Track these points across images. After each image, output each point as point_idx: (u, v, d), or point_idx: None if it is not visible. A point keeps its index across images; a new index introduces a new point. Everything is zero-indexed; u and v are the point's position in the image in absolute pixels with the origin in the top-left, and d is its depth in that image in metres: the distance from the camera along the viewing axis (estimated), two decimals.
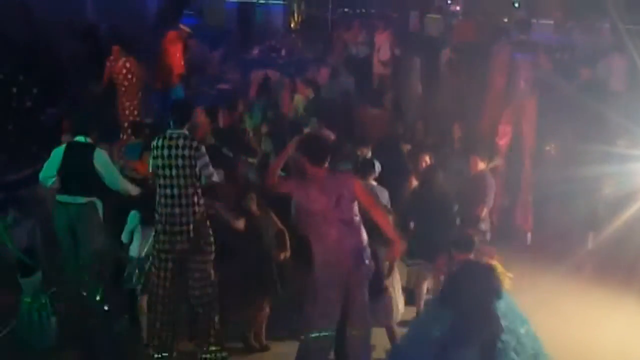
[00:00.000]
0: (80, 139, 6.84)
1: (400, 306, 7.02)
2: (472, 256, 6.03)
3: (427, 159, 8.30)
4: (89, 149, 6.76)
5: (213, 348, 6.49)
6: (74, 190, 6.73)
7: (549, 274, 8.36)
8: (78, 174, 6.70)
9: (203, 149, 6.37)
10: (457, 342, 5.55)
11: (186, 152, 6.21)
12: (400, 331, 6.75)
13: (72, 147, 6.85)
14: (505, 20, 15.61)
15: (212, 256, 6.46)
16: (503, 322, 5.72)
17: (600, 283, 8.21)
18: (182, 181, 6.20)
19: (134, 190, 6.94)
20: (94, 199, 6.85)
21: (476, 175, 7.82)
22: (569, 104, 10.29)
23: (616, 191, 8.88)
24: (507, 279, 6.34)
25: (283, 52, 15.91)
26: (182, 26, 12.84)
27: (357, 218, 5.88)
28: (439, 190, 7.47)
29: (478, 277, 5.60)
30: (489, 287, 5.58)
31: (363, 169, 7.61)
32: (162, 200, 6.24)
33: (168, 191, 6.21)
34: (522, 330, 5.87)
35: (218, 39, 16.15)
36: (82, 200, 6.73)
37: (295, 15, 16.82)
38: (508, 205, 9.70)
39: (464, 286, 5.58)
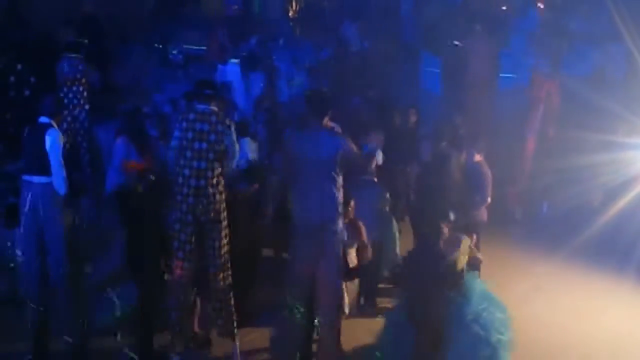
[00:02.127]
0: (43, 119, 6.74)
1: None
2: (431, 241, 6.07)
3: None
4: (44, 129, 6.64)
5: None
6: (34, 169, 6.66)
7: (543, 262, 8.40)
8: (35, 154, 6.62)
9: (233, 127, 6.61)
10: (405, 321, 5.84)
11: (219, 128, 6.44)
12: None
13: (33, 127, 6.77)
14: (504, 8, 15.54)
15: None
16: (480, 306, 5.90)
17: (595, 272, 8.26)
18: (211, 155, 6.40)
19: (62, 187, 6.68)
20: None
21: (473, 166, 7.85)
22: (567, 91, 10.31)
23: (613, 179, 8.92)
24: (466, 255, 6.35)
25: (281, 41, 15.86)
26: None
27: (338, 180, 6.03)
28: (439, 182, 7.56)
29: (426, 262, 5.81)
30: (437, 273, 5.76)
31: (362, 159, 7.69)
32: (188, 171, 6.40)
33: (195, 163, 6.39)
34: (501, 314, 5.98)
35: (215, 27, 16.08)
36: (43, 179, 6.61)
37: (293, 3, 16.74)
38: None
39: (411, 270, 5.89)
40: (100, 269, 7.44)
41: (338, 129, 8.03)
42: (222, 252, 6.60)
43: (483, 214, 7.82)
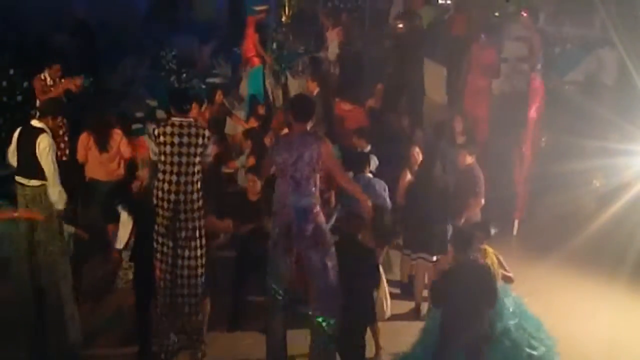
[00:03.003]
0: (34, 122, 6.67)
1: (387, 308, 7.20)
2: (469, 255, 5.98)
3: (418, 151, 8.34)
4: (35, 133, 6.55)
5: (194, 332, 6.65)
6: (25, 172, 6.60)
7: (537, 267, 8.41)
8: (26, 157, 6.56)
9: (211, 137, 6.55)
10: (445, 339, 5.67)
11: (200, 141, 6.31)
12: (393, 325, 6.83)
13: (24, 130, 6.69)
14: (497, 14, 15.59)
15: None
16: (511, 321, 5.88)
17: (588, 275, 8.27)
18: (190, 169, 6.29)
19: (57, 196, 6.58)
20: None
21: (465, 169, 7.88)
22: (560, 97, 10.35)
23: (605, 185, 8.96)
24: (501, 267, 6.37)
25: (274, 46, 15.86)
26: (256, 8, 13.05)
27: (311, 182, 6.04)
28: (435, 184, 7.55)
29: (471, 277, 5.68)
30: (482, 287, 5.66)
31: (357, 161, 7.70)
32: (166, 186, 6.30)
33: (174, 178, 6.27)
34: (533, 329, 5.96)
35: (208, 32, 16.09)
36: (34, 183, 6.55)
37: (286, 8, 16.74)
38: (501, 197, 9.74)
39: (456, 285, 5.67)
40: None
41: (321, 132, 8.15)
42: (195, 266, 6.47)
43: (477, 215, 7.83)
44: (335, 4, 17.65)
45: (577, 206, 9.32)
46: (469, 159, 7.91)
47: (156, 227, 6.42)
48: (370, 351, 6.70)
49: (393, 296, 7.50)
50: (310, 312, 6.24)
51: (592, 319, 7.49)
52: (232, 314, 7.30)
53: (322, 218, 6.18)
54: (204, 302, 6.84)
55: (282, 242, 6.21)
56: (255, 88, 12.09)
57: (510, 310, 6.02)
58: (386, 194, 7.75)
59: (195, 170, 6.33)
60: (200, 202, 6.42)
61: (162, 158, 6.31)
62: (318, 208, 6.15)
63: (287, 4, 15.69)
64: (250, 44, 12.69)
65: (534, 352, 5.91)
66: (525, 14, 10.26)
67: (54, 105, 7.22)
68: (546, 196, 9.60)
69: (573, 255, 8.41)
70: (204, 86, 12.99)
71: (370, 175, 7.73)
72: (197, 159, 6.31)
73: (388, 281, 7.63)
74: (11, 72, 10.39)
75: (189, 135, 6.28)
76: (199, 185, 6.39)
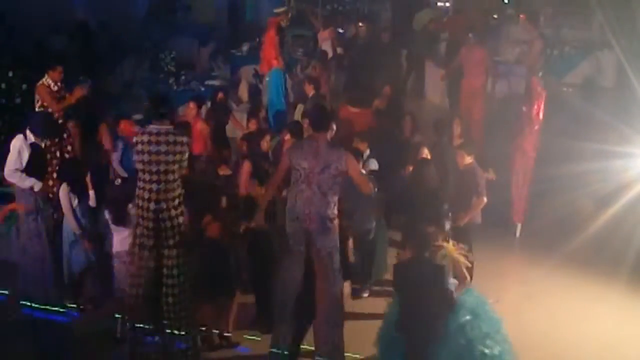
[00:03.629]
0: None
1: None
2: (425, 254, 6.03)
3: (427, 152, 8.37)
4: None
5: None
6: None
7: (535, 269, 8.42)
8: None
9: (190, 143, 6.47)
10: (401, 328, 5.88)
11: (177, 148, 6.18)
12: None
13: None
14: (495, 16, 15.64)
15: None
16: (467, 317, 5.94)
17: (586, 277, 8.27)
18: (170, 176, 6.18)
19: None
20: None
21: (465, 169, 7.88)
22: (558, 99, 10.36)
23: (603, 187, 8.96)
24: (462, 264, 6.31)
25: None
26: (276, 10, 13.08)
27: (334, 194, 6.11)
28: (429, 185, 7.58)
29: (424, 276, 5.81)
30: (434, 287, 5.79)
31: None
32: (147, 194, 6.18)
33: (154, 186, 6.16)
34: (491, 330, 5.99)
35: (207, 34, 16.11)
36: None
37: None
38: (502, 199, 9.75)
39: (408, 282, 5.84)
40: None
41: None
42: (177, 274, 6.35)
43: (478, 216, 7.85)
44: (335, 6, 17.70)
45: (576, 208, 9.31)
46: (468, 159, 7.90)
47: (138, 233, 6.30)
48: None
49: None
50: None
51: (590, 322, 7.48)
52: (259, 315, 7.23)
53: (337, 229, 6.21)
54: (230, 304, 6.85)
55: (297, 252, 6.20)
56: (276, 90, 12.05)
57: (467, 307, 6.04)
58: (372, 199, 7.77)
59: (175, 177, 6.23)
60: (182, 209, 6.35)
61: (141, 167, 6.18)
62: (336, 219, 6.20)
63: (286, 6, 15.71)
64: (270, 46, 12.67)
65: (487, 351, 5.88)
66: (523, 17, 10.30)
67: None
68: (545, 199, 9.59)
69: (572, 258, 8.39)
70: (203, 88, 13.02)
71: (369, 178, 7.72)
72: (176, 167, 6.19)
73: (385, 281, 7.71)
74: (10, 74, 10.39)
75: (167, 143, 6.14)
76: (179, 192, 6.30)
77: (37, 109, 8.65)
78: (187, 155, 6.30)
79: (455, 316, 5.96)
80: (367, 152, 8.61)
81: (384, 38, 13.72)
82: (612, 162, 9.07)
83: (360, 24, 13.55)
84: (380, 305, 6.99)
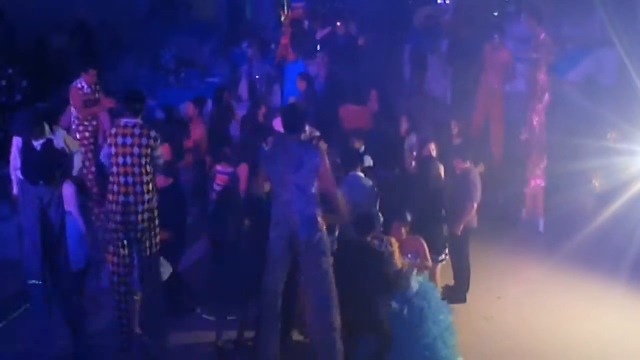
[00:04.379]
0: None
1: None
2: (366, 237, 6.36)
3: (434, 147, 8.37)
4: None
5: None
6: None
7: (535, 268, 8.41)
8: None
9: (158, 138, 6.52)
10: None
11: (144, 141, 6.34)
12: None
13: None
14: (495, 14, 15.58)
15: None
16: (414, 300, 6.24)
17: (586, 277, 8.26)
18: (137, 169, 6.33)
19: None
20: None
21: (462, 174, 7.85)
22: (559, 97, 10.35)
23: (605, 185, 8.95)
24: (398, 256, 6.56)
25: (273, 46, 15.87)
26: (294, 4, 13.40)
27: (313, 190, 6.00)
28: (433, 184, 7.59)
29: (361, 259, 6.09)
30: (371, 272, 6.01)
31: (350, 160, 7.78)
32: (115, 187, 6.34)
33: (122, 179, 6.31)
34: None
35: (207, 32, 16.09)
36: None
37: (285, 8, 16.73)
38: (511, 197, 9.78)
39: (343, 263, 6.06)
40: None
41: (316, 134, 8.18)
42: (151, 265, 6.60)
43: (474, 220, 7.84)
44: (335, 5, 17.66)
45: (577, 206, 9.30)
46: (464, 164, 7.86)
47: (110, 226, 6.46)
48: None
49: None
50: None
51: (591, 321, 7.47)
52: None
53: (324, 226, 6.11)
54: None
55: (282, 254, 6.09)
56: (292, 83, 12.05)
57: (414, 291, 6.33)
58: (373, 194, 7.75)
59: (144, 170, 6.35)
60: (154, 202, 6.47)
61: (113, 160, 6.36)
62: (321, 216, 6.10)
63: (285, 4, 15.68)
64: (287, 39, 12.81)
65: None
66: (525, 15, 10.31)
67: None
68: (546, 196, 9.59)
69: (573, 255, 8.40)
70: (202, 86, 13.01)
71: (361, 174, 7.73)
72: (145, 160, 6.33)
73: None
74: (10, 71, 10.39)
75: (132, 135, 6.32)
76: (150, 186, 6.41)
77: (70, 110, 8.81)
78: (158, 151, 6.47)
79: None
80: (362, 148, 8.64)
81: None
82: (613, 159, 9.07)
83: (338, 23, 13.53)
84: None
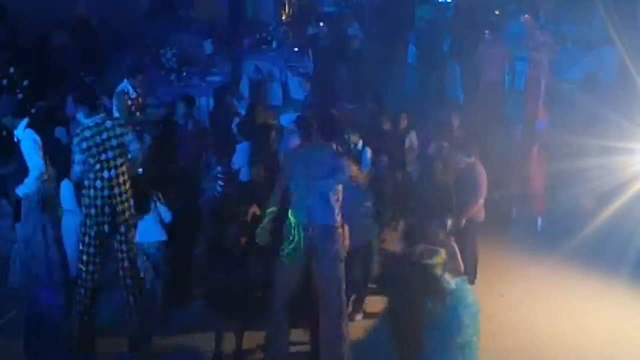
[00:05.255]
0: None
1: None
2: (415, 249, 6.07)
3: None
4: None
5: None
6: None
7: (536, 266, 8.42)
8: None
9: (130, 127, 6.78)
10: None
11: (117, 131, 6.47)
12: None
13: None
14: (497, 12, 15.59)
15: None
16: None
17: (587, 275, 8.27)
18: (119, 161, 6.46)
19: None
20: None
21: (466, 169, 7.87)
22: (559, 95, 10.37)
23: (605, 183, 8.95)
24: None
25: (274, 44, 15.89)
26: None
27: (336, 201, 6.00)
28: (438, 180, 7.62)
29: (407, 273, 5.80)
30: (417, 285, 5.72)
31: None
32: (99, 183, 6.39)
33: (105, 174, 6.40)
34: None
35: (209, 30, 16.08)
36: None
37: (286, 6, 16.78)
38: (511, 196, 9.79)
39: (395, 278, 6.01)
40: None
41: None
42: (132, 257, 6.67)
43: (480, 214, 7.85)
44: (339, 2, 17.70)
45: (577, 205, 9.31)
46: (469, 159, 7.87)
47: (88, 222, 6.47)
48: None
49: None
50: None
51: (591, 319, 7.49)
52: None
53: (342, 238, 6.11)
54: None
55: (297, 261, 6.05)
56: None
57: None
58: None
59: (124, 162, 6.52)
60: (130, 193, 6.59)
61: (91, 160, 6.36)
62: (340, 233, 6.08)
63: (287, 2, 15.71)
64: None
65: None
66: (527, 16, 10.35)
67: None
68: (546, 195, 9.59)
69: (573, 254, 8.40)
70: (204, 84, 13.00)
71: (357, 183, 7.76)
72: (123, 150, 6.49)
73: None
74: (11, 70, 10.38)
75: (107, 129, 6.42)
76: (128, 177, 6.57)
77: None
78: (129, 135, 6.56)
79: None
80: (360, 142, 8.63)
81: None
82: (614, 158, 9.06)
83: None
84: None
